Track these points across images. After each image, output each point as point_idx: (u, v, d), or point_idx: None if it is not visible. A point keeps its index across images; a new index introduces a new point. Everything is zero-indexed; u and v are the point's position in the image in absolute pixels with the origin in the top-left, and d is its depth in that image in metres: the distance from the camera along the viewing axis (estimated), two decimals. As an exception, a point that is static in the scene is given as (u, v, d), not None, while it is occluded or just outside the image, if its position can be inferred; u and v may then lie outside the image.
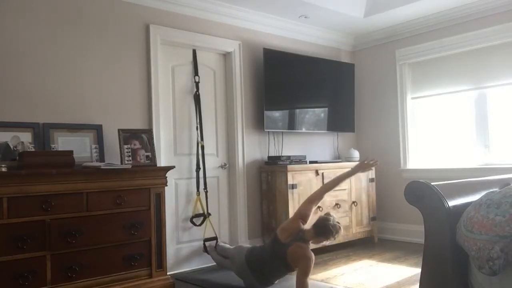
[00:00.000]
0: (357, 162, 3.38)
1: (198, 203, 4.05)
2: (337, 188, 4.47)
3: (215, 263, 3.91)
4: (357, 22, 4.97)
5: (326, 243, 3.10)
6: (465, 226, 1.73)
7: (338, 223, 3.01)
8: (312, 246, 3.13)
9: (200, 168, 4.07)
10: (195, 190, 4.07)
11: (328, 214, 3.06)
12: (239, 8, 4.37)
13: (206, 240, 4.01)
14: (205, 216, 4.06)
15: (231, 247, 3.75)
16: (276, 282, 3.29)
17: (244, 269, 3.22)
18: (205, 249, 3.97)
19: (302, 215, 3.14)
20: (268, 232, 4.37)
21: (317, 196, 3.27)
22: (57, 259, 2.78)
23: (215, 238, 4.07)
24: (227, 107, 4.47)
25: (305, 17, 4.72)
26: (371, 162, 3.17)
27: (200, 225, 4.04)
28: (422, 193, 1.88)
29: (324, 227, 2.97)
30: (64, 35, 3.42)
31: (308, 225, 3.15)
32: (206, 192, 4.10)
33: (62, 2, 3.43)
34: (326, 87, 5.11)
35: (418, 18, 4.83)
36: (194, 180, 4.09)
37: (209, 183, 4.15)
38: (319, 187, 4.43)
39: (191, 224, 4.03)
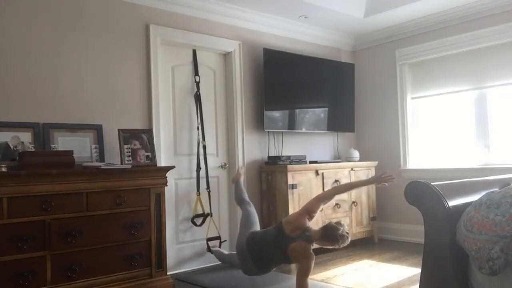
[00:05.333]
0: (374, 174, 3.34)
1: (198, 203, 4.05)
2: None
3: (215, 264, 3.90)
4: (357, 22, 4.97)
5: (329, 247, 3.10)
6: (465, 226, 1.73)
7: (347, 233, 3.00)
8: (313, 245, 3.12)
9: (200, 168, 4.07)
10: (195, 190, 4.07)
11: (339, 223, 3.04)
12: (239, 8, 4.37)
13: (209, 239, 4.01)
14: (205, 216, 4.06)
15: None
16: (273, 269, 3.29)
17: (244, 252, 3.20)
18: (208, 248, 3.97)
19: (309, 211, 3.14)
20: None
21: (326, 196, 3.27)
22: (57, 259, 2.78)
23: (218, 238, 4.07)
24: (227, 107, 4.47)
25: (305, 17, 4.72)
26: (388, 177, 3.14)
27: (200, 225, 4.03)
28: (422, 193, 1.88)
29: (333, 234, 2.96)
30: (64, 35, 3.42)
31: (313, 224, 3.15)
32: (209, 192, 4.10)
33: (62, 2, 3.43)
34: (326, 87, 5.11)
35: (418, 18, 4.83)
36: (194, 180, 4.09)
37: (210, 183, 4.14)
38: (319, 187, 4.47)
39: (191, 224, 4.02)
